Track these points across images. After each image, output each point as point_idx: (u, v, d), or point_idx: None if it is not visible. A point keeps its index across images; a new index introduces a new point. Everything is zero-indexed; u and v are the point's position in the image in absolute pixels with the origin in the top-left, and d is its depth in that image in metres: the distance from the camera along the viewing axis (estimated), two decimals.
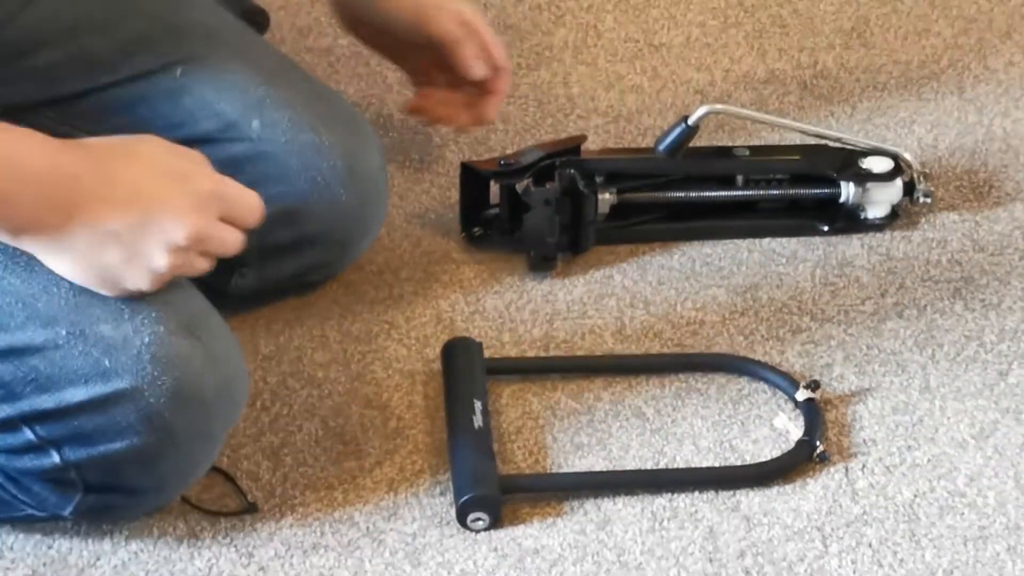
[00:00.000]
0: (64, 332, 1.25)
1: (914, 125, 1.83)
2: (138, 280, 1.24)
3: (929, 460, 1.43)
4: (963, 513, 1.38)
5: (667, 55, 1.93)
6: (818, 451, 1.42)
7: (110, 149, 1.26)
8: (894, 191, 1.67)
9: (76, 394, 1.25)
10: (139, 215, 1.22)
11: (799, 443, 1.43)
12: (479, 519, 1.36)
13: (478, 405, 1.43)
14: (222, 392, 1.29)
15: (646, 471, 1.42)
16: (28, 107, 1.47)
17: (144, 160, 1.25)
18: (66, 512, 1.32)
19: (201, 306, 1.32)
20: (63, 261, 1.23)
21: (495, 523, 1.36)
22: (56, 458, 1.28)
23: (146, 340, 1.25)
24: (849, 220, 1.68)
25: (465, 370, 1.48)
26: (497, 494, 1.36)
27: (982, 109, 1.85)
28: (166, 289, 1.28)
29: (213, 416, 1.30)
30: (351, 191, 1.51)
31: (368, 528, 1.37)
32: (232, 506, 1.38)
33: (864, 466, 1.42)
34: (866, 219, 1.68)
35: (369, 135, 1.56)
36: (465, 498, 1.36)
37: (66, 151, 1.23)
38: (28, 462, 1.29)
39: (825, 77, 1.90)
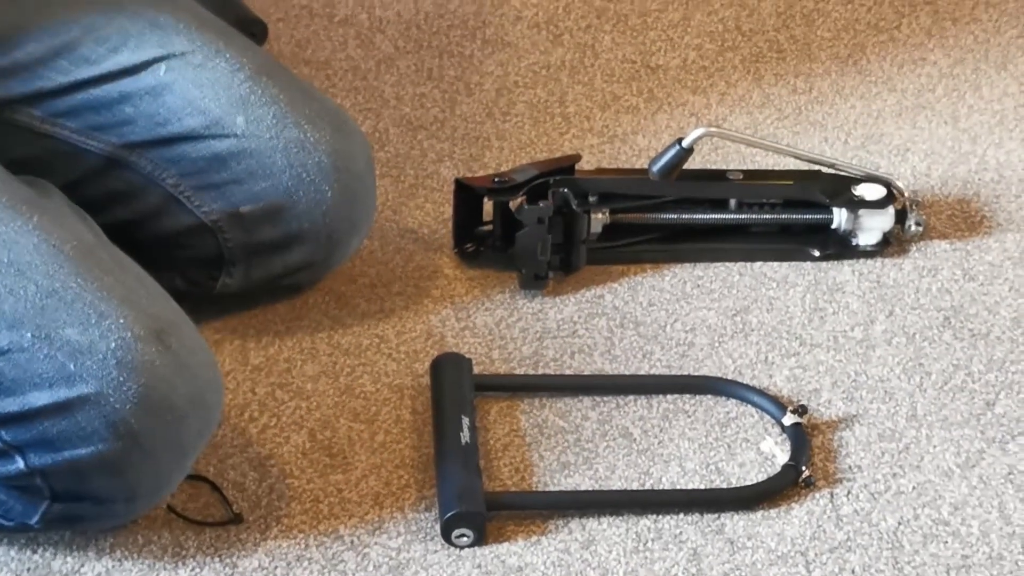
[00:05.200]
0: (29, 335, 1.25)
1: (908, 153, 1.83)
2: None
3: (914, 488, 1.43)
4: (947, 542, 1.39)
5: (663, 77, 1.94)
6: (803, 476, 1.42)
7: None
8: (886, 218, 1.67)
9: (40, 398, 1.25)
10: None
11: (785, 467, 1.43)
12: (463, 535, 1.36)
13: (465, 421, 1.43)
14: (193, 401, 1.29)
15: (631, 491, 1.43)
16: (10, 102, 1.48)
17: None
18: (33, 521, 1.31)
19: (173, 314, 1.31)
20: None
21: (479, 540, 1.37)
22: (21, 464, 1.28)
23: (112, 345, 1.25)
24: (840, 246, 1.68)
25: (453, 386, 1.48)
26: (482, 511, 1.36)
27: (976, 139, 1.86)
28: (137, 294, 1.28)
29: (184, 426, 1.29)
30: (337, 188, 1.51)
31: (352, 542, 1.37)
32: (217, 516, 1.38)
33: (849, 492, 1.43)
34: (857, 246, 1.68)
35: (355, 132, 1.56)
36: (450, 514, 1.36)
37: None
38: None
39: (820, 103, 1.90)
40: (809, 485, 1.42)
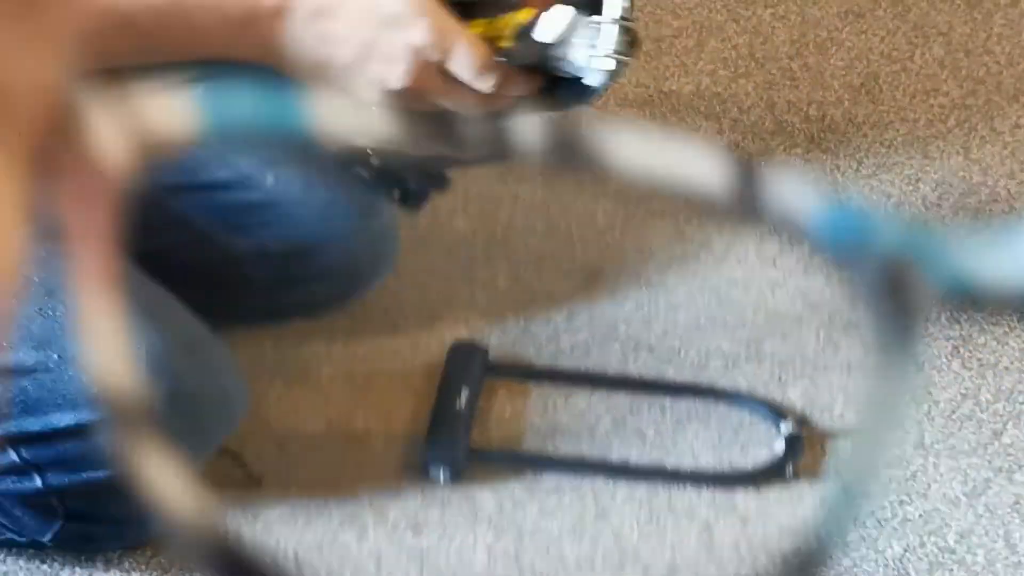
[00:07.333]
0: (56, 356, 1.25)
1: (919, 183, 1.84)
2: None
3: (921, 515, 1.44)
4: (952, 570, 1.39)
5: (677, 102, 1.94)
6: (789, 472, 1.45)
7: None
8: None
9: (63, 419, 1.25)
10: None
11: (776, 461, 1.46)
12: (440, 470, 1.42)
13: (465, 392, 1.46)
14: (219, 428, 1.31)
15: (609, 461, 1.46)
16: None
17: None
18: (46, 539, 1.32)
19: (198, 337, 1.32)
20: None
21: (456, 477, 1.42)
22: (39, 482, 1.28)
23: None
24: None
25: (462, 365, 1.51)
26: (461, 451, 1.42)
27: (987, 170, 1.86)
28: (163, 318, 1.29)
29: (206, 453, 1.30)
30: (362, 247, 1.51)
31: (371, 503, 1.41)
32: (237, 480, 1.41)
33: (855, 518, 1.43)
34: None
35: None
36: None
37: None
38: (10, 484, 1.30)
39: (833, 131, 1.91)
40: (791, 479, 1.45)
